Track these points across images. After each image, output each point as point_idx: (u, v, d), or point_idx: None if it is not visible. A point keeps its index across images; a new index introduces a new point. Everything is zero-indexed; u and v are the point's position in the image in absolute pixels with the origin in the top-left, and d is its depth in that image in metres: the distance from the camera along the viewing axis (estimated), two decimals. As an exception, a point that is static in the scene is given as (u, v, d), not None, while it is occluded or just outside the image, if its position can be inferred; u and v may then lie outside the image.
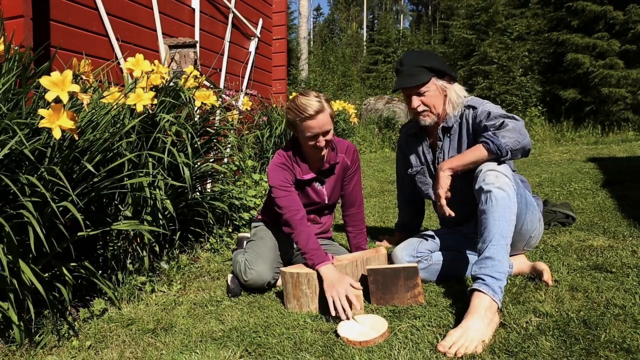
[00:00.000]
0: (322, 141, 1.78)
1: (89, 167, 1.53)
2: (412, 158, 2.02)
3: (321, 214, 2.05)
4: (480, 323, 1.29)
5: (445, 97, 1.82)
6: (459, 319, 1.38)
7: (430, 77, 1.77)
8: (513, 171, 1.75)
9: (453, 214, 1.66)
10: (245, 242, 2.10)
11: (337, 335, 1.38)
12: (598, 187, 3.26)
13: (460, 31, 12.53)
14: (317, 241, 1.73)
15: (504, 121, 1.57)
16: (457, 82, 1.85)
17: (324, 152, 1.83)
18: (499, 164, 1.56)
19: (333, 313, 1.51)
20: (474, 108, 1.77)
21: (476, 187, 1.54)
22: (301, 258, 2.05)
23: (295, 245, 2.07)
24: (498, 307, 1.36)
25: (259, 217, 2.15)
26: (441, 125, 1.85)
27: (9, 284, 1.41)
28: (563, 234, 2.21)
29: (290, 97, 4.26)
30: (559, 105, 10.15)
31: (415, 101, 1.81)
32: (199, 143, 2.43)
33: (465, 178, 1.74)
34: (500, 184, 1.49)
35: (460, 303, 1.54)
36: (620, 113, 9.37)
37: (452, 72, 1.81)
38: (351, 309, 1.50)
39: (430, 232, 1.94)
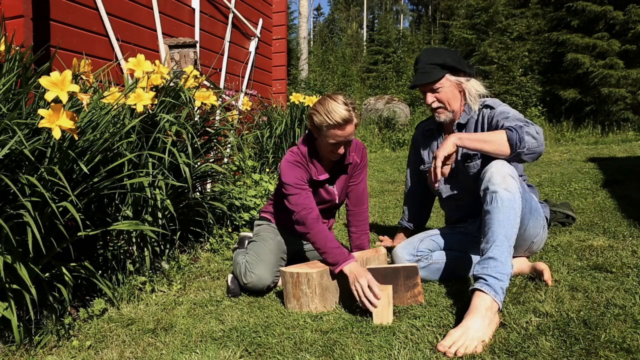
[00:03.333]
0: (342, 149, 1.77)
1: (84, 168, 1.53)
2: (426, 154, 2.03)
3: (328, 214, 2.05)
4: (481, 323, 1.29)
5: (462, 93, 1.83)
6: (459, 319, 1.38)
7: (443, 74, 1.79)
8: (520, 176, 1.76)
9: (437, 185, 1.64)
10: (246, 242, 2.09)
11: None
12: (598, 187, 3.26)
13: (460, 31, 12.54)
14: (336, 239, 1.70)
15: (523, 125, 1.56)
16: (475, 78, 1.85)
17: (339, 157, 1.83)
18: (509, 162, 1.56)
19: (361, 305, 1.51)
20: (492, 108, 1.77)
21: (482, 187, 1.54)
22: (311, 254, 2.06)
23: (304, 241, 2.06)
24: (499, 308, 1.36)
25: (262, 214, 2.12)
26: (456, 122, 1.86)
27: (8, 284, 1.41)
28: (563, 234, 2.21)
29: (291, 97, 4.27)
30: (559, 105, 10.15)
31: (430, 97, 1.83)
32: (199, 143, 2.43)
33: (472, 177, 1.75)
34: (506, 185, 1.49)
35: (460, 303, 1.54)
36: (620, 113, 9.37)
37: (467, 69, 1.81)
38: (376, 298, 1.48)
39: (432, 231, 1.94)
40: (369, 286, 1.50)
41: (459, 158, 1.84)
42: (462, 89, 1.82)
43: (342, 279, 1.65)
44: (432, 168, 1.60)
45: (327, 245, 1.66)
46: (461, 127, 1.86)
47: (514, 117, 1.65)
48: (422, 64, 1.81)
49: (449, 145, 1.59)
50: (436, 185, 1.68)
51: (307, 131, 1.89)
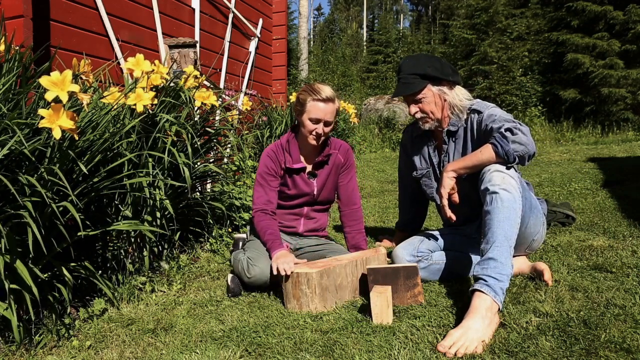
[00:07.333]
0: (320, 129, 1.87)
1: (83, 168, 1.53)
2: (417, 160, 2.02)
3: (313, 208, 2.06)
4: (481, 323, 1.29)
5: (445, 102, 1.82)
6: (459, 319, 1.38)
7: (425, 84, 1.79)
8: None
9: (454, 218, 1.68)
10: (241, 243, 2.10)
11: None
12: (598, 187, 3.26)
13: (460, 31, 12.53)
14: (276, 231, 1.87)
15: (510, 127, 1.56)
16: (459, 85, 1.84)
17: (318, 142, 1.91)
18: (507, 168, 1.56)
19: (275, 272, 1.69)
20: (479, 112, 1.77)
21: (482, 187, 1.54)
22: (302, 256, 2.06)
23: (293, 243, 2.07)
24: (499, 309, 1.36)
25: None
26: (446, 129, 1.85)
27: (8, 284, 1.41)
28: (563, 234, 2.21)
29: (291, 97, 4.27)
30: (559, 105, 10.14)
31: (412, 108, 1.85)
32: (199, 143, 2.43)
33: (471, 179, 1.75)
34: (506, 185, 1.49)
35: (460, 303, 1.54)
36: (620, 113, 9.37)
37: (449, 77, 1.80)
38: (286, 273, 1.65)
39: (432, 232, 1.94)
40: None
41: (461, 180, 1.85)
42: (445, 99, 1.82)
43: (350, 278, 1.65)
44: (442, 207, 1.68)
45: (266, 237, 1.86)
46: (451, 134, 1.86)
47: (500, 118, 1.65)
48: (403, 74, 1.82)
49: (447, 181, 1.66)
50: (453, 218, 1.69)
51: (290, 127, 2.03)
